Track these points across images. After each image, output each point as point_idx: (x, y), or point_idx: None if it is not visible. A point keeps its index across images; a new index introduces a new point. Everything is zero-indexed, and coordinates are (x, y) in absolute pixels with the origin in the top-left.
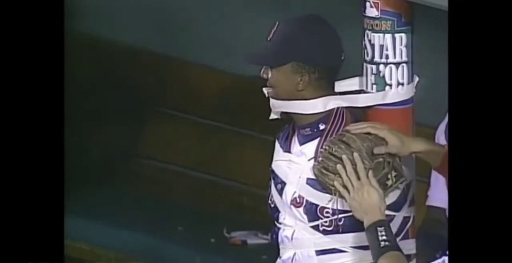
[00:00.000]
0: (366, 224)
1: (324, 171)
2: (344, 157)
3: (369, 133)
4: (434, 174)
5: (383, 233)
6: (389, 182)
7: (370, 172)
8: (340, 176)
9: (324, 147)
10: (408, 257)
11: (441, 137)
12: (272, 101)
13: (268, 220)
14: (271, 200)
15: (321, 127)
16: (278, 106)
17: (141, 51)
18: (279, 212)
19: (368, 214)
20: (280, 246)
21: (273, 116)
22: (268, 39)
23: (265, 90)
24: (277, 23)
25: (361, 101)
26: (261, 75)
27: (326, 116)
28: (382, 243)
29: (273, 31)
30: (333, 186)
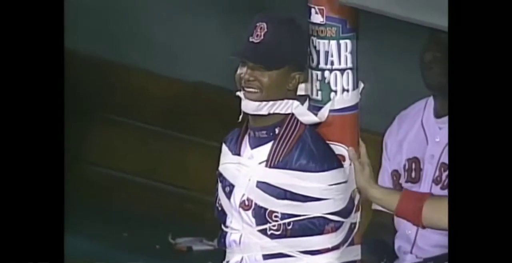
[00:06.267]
0: None
1: None
2: None
3: None
4: (381, 176)
5: None
6: None
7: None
8: None
9: None
10: None
11: (388, 141)
12: (252, 103)
13: (213, 226)
14: (218, 203)
15: (276, 130)
16: (259, 108)
17: (86, 57)
18: (226, 215)
19: None
20: (228, 250)
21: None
22: (258, 40)
23: (241, 93)
24: (263, 24)
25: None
26: (242, 77)
27: (282, 120)
28: None
29: (263, 32)
30: None
